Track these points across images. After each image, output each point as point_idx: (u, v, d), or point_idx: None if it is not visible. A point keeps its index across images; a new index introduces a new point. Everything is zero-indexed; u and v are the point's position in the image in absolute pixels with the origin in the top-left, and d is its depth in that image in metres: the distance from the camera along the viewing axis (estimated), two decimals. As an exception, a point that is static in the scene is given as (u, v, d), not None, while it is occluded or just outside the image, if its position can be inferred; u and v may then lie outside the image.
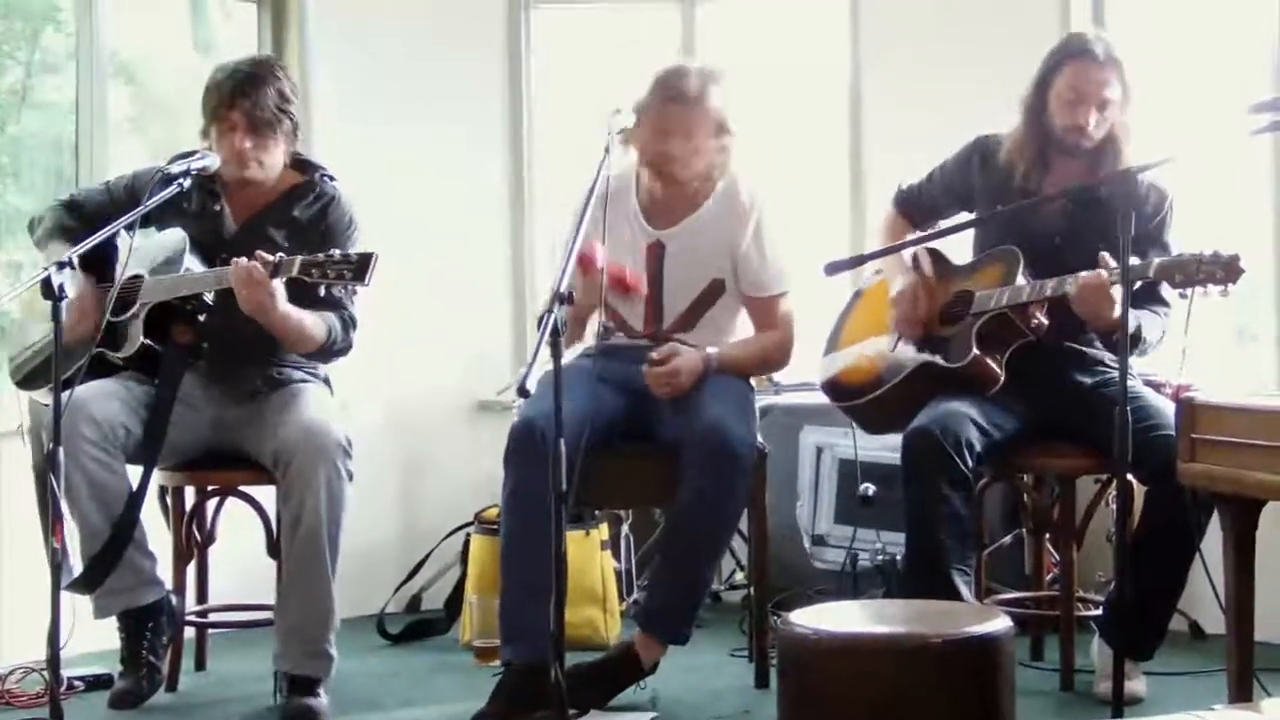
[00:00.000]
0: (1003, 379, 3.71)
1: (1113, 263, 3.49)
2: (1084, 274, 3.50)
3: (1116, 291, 3.45)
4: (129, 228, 3.57)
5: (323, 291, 3.65)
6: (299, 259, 3.56)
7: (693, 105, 3.86)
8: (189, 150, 3.86)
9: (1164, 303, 3.70)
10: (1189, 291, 3.29)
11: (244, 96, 3.76)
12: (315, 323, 3.76)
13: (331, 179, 3.95)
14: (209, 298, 3.74)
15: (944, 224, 4.03)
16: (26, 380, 3.92)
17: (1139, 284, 3.44)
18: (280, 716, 3.67)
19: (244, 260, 3.60)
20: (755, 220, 3.96)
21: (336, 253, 3.56)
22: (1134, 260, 3.36)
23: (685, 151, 3.88)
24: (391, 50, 5.19)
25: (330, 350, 3.85)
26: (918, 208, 4.08)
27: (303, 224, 3.87)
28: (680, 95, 3.85)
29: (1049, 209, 3.79)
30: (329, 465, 3.65)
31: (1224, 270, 3.25)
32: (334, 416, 3.78)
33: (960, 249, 3.95)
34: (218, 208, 3.89)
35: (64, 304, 3.20)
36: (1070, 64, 3.73)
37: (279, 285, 3.60)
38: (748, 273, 3.97)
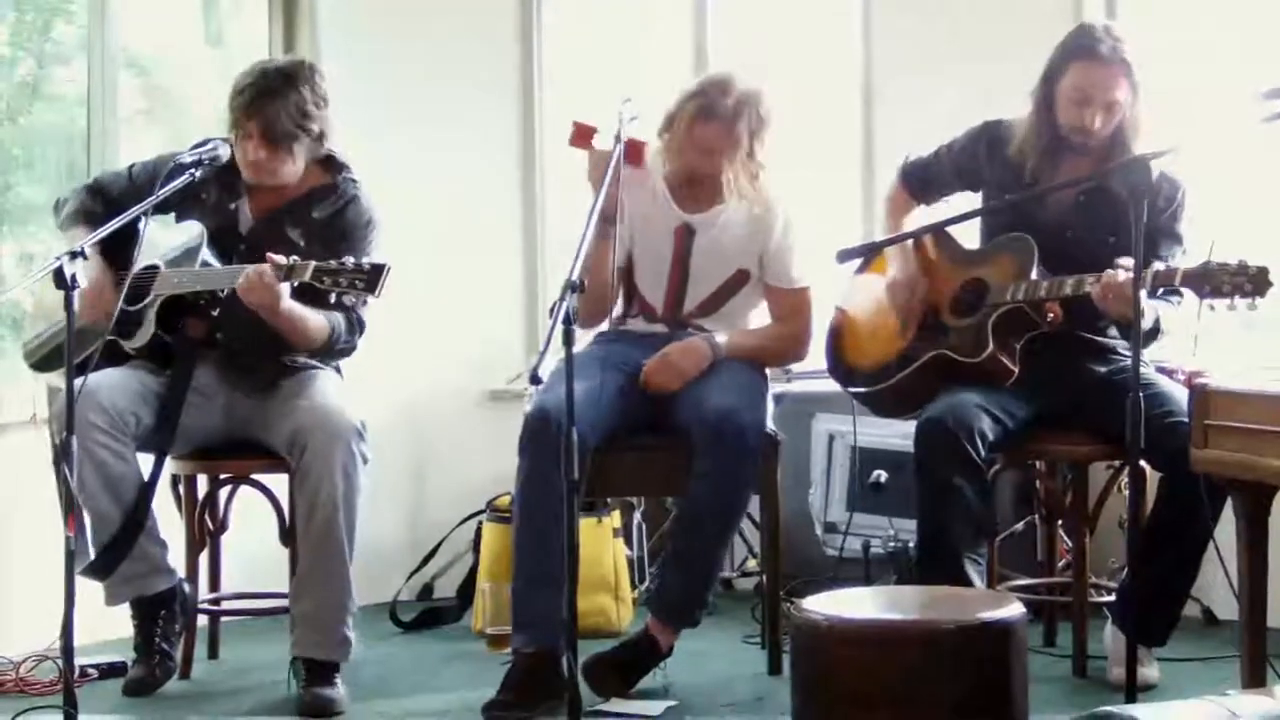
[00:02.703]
0: (1016, 374, 3.70)
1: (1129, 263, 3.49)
2: (1107, 273, 3.48)
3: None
4: (143, 216, 3.58)
5: (334, 298, 3.65)
6: (312, 264, 3.56)
7: (727, 129, 3.83)
8: (208, 138, 3.86)
9: (1178, 292, 3.68)
10: (1215, 303, 3.27)
11: (262, 108, 3.74)
12: (319, 322, 3.76)
13: (355, 181, 3.93)
14: (221, 293, 3.75)
15: (951, 209, 4.01)
16: (42, 363, 3.94)
17: (1161, 290, 3.43)
18: (297, 707, 3.67)
19: (255, 268, 3.60)
20: (784, 217, 3.97)
21: (350, 261, 3.54)
22: (1157, 264, 3.35)
23: (713, 166, 3.88)
24: (403, 40, 5.19)
25: (332, 350, 3.84)
26: (923, 183, 4.05)
27: (321, 224, 3.86)
28: (715, 115, 3.83)
29: (1059, 202, 3.77)
30: (344, 449, 3.65)
31: (1252, 282, 3.22)
32: (348, 401, 3.78)
33: (967, 234, 3.94)
34: (233, 205, 3.89)
35: (76, 292, 3.20)
36: (1076, 64, 3.68)
37: (285, 286, 3.61)
38: (777, 266, 3.99)
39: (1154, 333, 3.61)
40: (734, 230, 3.97)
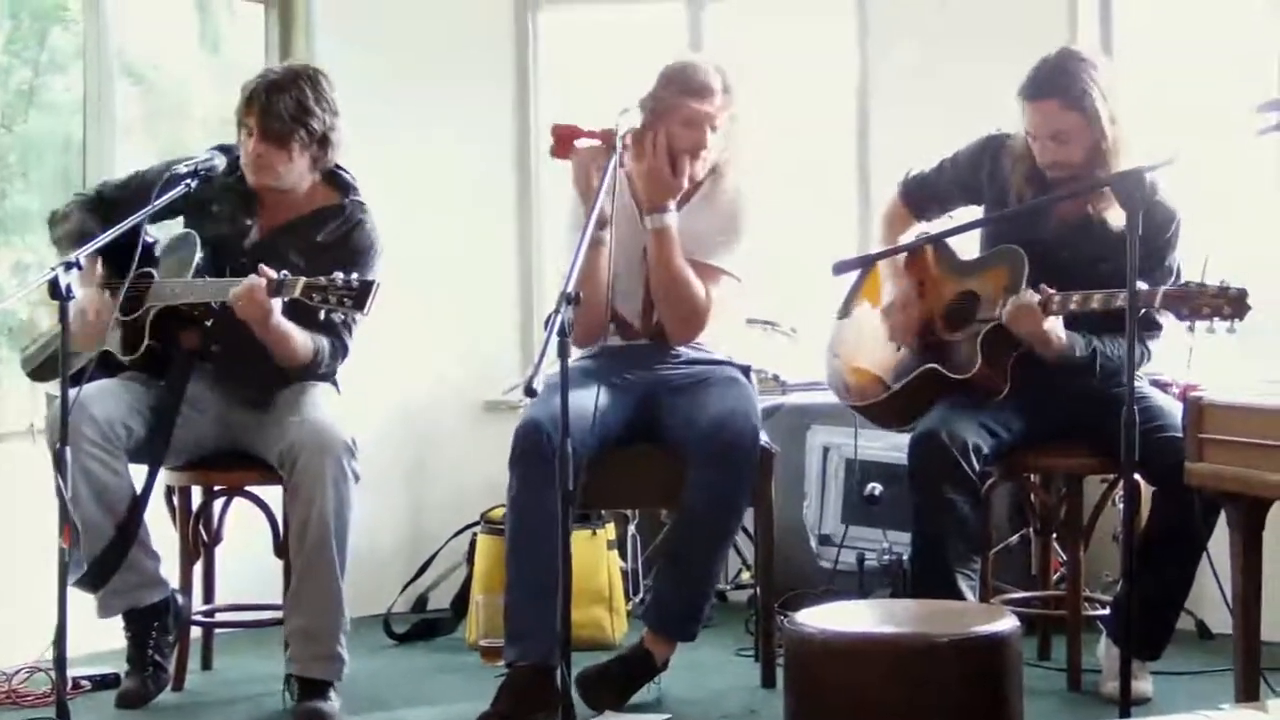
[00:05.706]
0: (1006, 390, 3.70)
1: (1049, 290, 3.52)
2: (1023, 292, 3.51)
3: (1050, 321, 3.50)
4: (138, 228, 3.57)
5: (322, 315, 3.64)
6: (301, 280, 3.55)
7: (713, 98, 3.82)
8: (211, 149, 3.85)
9: (1155, 325, 3.66)
10: (1194, 325, 3.28)
11: (260, 103, 3.75)
12: (304, 341, 3.75)
13: (362, 204, 3.92)
14: (215, 305, 3.74)
15: (952, 222, 4.00)
16: (38, 372, 3.93)
17: (1143, 310, 3.42)
18: (291, 719, 3.66)
19: (247, 281, 3.59)
20: (736, 206, 3.92)
21: (339, 277, 3.53)
22: (1140, 284, 3.35)
23: (699, 142, 3.83)
24: (398, 50, 5.19)
25: (313, 372, 3.83)
26: (924, 197, 4.03)
27: (324, 247, 3.84)
28: (703, 90, 3.81)
29: (1063, 221, 3.74)
30: (335, 465, 3.64)
31: (1231, 305, 3.23)
32: (340, 417, 3.77)
33: (967, 245, 3.94)
34: (248, 221, 3.88)
35: (70, 305, 3.19)
36: (1024, 104, 3.69)
37: (276, 303, 3.60)
38: (703, 238, 3.88)
39: (1090, 366, 3.62)
40: (697, 231, 3.88)
